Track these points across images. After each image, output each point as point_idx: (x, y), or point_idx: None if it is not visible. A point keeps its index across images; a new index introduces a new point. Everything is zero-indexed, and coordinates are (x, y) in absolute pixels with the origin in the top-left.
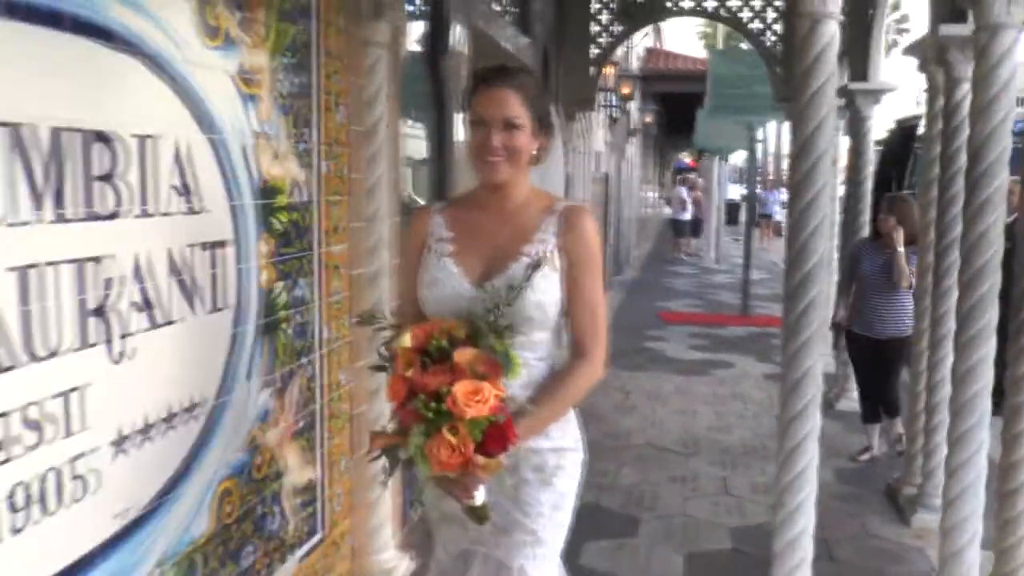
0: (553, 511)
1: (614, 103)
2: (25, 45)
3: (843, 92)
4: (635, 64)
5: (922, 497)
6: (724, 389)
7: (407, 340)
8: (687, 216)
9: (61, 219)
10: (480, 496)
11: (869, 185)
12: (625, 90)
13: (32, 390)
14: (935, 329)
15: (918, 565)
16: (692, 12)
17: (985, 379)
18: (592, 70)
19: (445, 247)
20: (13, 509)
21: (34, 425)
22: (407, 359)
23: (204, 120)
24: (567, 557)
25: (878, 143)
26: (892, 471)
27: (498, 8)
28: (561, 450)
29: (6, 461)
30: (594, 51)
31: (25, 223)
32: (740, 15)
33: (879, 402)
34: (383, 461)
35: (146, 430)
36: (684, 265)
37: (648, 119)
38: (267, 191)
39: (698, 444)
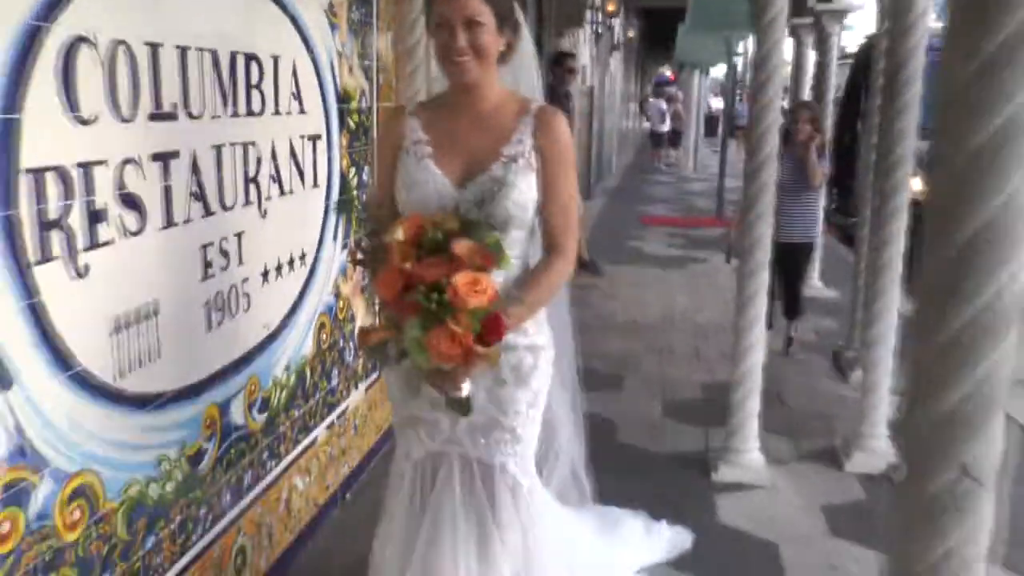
0: (529, 408)
1: (599, 19)
2: None
3: (811, 12)
4: None
5: (860, 358)
6: (698, 279)
7: (399, 233)
8: (665, 128)
9: (234, 115)
10: (467, 388)
11: (831, 97)
12: (610, 7)
13: (222, 230)
14: (877, 217)
15: (852, 408)
16: None
17: (898, 245)
18: None
19: (423, 148)
20: (218, 309)
21: (223, 253)
22: (403, 252)
23: (307, 43)
24: None
25: (847, 57)
26: (838, 340)
27: None
28: (536, 348)
29: (213, 276)
30: None
31: (218, 116)
32: None
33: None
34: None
35: (279, 268)
36: (663, 174)
37: (631, 34)
38: (344, 98)
39: (674, 322)
